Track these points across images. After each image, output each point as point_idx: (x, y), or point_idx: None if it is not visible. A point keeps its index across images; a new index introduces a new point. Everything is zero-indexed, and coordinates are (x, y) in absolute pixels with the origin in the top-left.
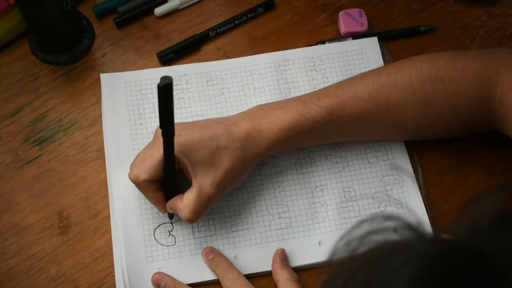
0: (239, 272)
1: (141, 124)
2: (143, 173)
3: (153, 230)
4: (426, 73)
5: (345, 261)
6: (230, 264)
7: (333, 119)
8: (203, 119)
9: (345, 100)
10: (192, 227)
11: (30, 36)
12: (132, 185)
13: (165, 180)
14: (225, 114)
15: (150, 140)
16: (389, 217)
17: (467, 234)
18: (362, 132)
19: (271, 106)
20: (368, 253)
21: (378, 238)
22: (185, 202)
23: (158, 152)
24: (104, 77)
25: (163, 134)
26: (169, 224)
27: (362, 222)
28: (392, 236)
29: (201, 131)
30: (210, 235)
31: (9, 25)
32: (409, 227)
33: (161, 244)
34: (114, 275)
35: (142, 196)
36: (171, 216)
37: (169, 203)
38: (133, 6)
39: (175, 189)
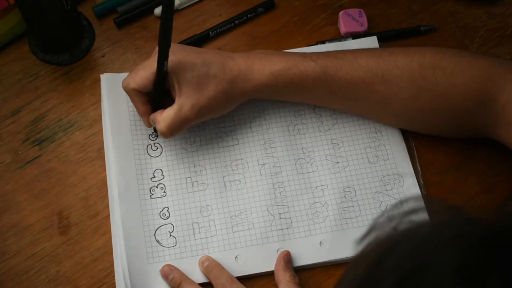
0: (232, 277)
1: (141, 124)
2: (133, 82)
3: (154, 231)
4: (428, 59)
5: (386, 235)
6: (223, 269)
7: (326, 77)
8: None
9: (342, 63)
10: (193, 228)
11: (30, 36)
12: (132, 185)
13: (153, 92)
14: (226, 115)
15: (149, 141)
16: (428, 198)
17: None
18: (352, 100)
19: (271, 52)
20: (412, 228)
21: (418, 217)
22: (163, 116)
23: (153, 65)
24: (104, 78)
25: (159, 44)
26: (169, 225)
27: (404, 201)
28: (432, 217)
29: (196, 55)
30: (211, 236)
31: (9, 25)
32: (449, 208)
33: (162, 245)
34: (114, 275)
35: (142, 196)
36: (155, 129)
37: (151, 116)
38: (133, 6)
39: (161, 105)
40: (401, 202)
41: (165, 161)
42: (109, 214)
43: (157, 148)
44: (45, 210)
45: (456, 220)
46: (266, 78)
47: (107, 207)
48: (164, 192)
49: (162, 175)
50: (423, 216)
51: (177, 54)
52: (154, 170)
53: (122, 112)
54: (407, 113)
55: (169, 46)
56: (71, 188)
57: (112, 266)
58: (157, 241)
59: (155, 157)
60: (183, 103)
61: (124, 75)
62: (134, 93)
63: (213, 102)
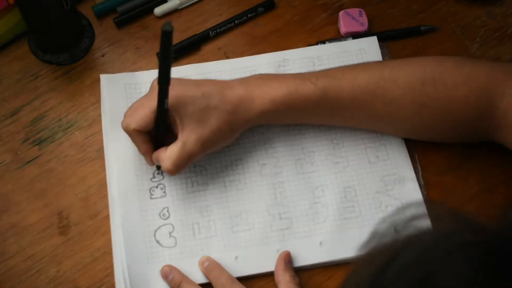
0: (232, 278)
1: None
2: (133, 123)
3: (154, 232)
4: (429, 74)
5: (389, 242)
6: (223, 270)
7: (327, 100)
8: None
9: (342, 85)
10: (193, 228)
11: (30, 36)
12: (132, 185)
13: (155, 131)
14: None
15: None
16: (430, 204)
17: None
18: (356, 119)
19: (269, 76)
20: (416, 236)
21: (423, 223)
22: (168, 153)
23: (151, 103)
24: (103, 78)
25: (159, 82)
26: (170, 226)
27: (405, 207)
28: (436, 223)
29: (195, 88)
30: (211, 236)
31: (9, 25)
32: (452, 215)
33: (162, 246)
34: (114, 275)
35: (142, 197)
36: (158, 166)
37: (154, 154)
38: (132, 6)
39: (164, 142)
40: (403, 208)
41: None
42: (109, 214)
43: None
44: (45, 210)
45: (460, 227)
46: (268, 105)
47: (107, 207)
48: (164, 192)
49: (162, 175)
50: (425, 222)
51: (176, 89)
52: (154, 170)
53: (122, 112)
54: (411, 128)
55: (169, 84)
56: (71, 188)
57: (112, 266)
58: (157, 241)
59: None
60: (186, 138)
61: (124, 76)
62: (135, 133)
63: (217, 133)
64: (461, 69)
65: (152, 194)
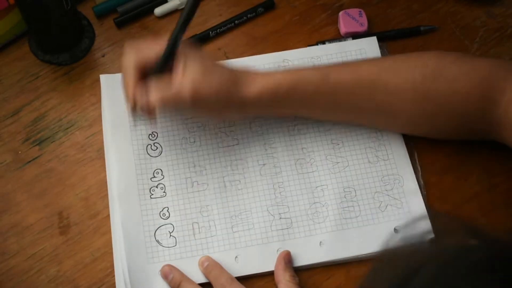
0: (232, 278)
1: (141, 124)
2: (137, 56)
3: (154, 231)
4: (431, 68)
5: (405, 257)
6: (222, 270)
7: (328, 84)
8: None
9: (344, 71)
10: (193, 228)
11: (30, 36)
12: (132, 185)
13: (157, 67)
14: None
15: (149, 140)
16: (447, 217)
17: None
18: (355, 110)
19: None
20: (432, 251)
21: (436, 238)
22: (161, 86)
23: (157, 46)
24: (103, 78)
25: (185, 12)
26: (169, 225)
27: (418, 219)
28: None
29: (205, 55)
30: (211, 236)
31: (9, 25)
32: (465, 227)
33: (162, 245)
34: (114, 275)
35: (142, 196)
36: (134, 108)
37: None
38: (133, 6)
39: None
40: (414, 221)
41: (165, 161)
42: (109, 214)
43: (157, 148)
44: (45, 210)
45: (480, 241)
46: (270, 84)
47: (107, 207)
48: (164, 192)
49: (162, 175)
50: (440, 236)
51: (189, 44)
52: (154, 170)
53: (122, 112)
54: (412, 121)
55: (192, 17)
56: (71, 188)
57: (112, 266)
58: (157, 241)
59: (155, 157)
60: (183, 81)
61: None
62: (134, 70)
63: (213, 94)
64: (462, 64)
65: (152, 194)
